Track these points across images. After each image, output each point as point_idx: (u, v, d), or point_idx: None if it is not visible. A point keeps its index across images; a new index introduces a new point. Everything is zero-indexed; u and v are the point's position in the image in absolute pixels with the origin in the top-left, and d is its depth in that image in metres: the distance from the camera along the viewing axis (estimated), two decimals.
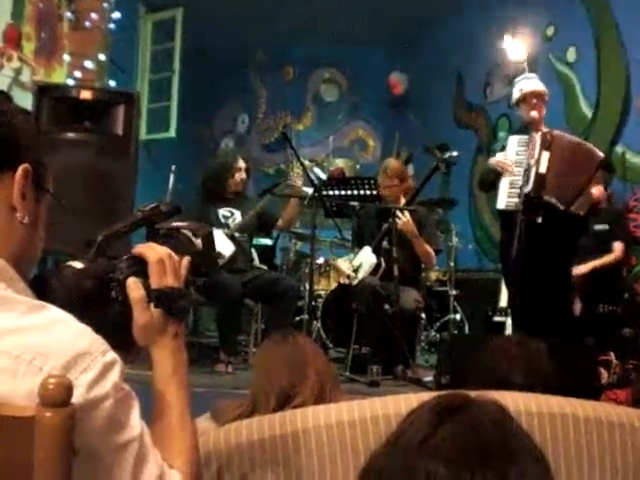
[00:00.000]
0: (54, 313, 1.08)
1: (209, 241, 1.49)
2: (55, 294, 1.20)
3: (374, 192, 6.15)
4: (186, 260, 1.37)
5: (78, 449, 0.99)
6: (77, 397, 0.98)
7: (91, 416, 1.02)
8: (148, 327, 1.29)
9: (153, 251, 1.32)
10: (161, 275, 1.30)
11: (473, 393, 0.97)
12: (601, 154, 4.85)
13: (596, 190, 4.75)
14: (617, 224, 5.88)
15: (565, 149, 4.73)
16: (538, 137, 4.72)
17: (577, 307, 5.46)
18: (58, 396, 0.94)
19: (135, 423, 1.09)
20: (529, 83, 5.04)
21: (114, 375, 1.06)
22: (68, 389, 0.95)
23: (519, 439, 0.91)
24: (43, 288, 1.20)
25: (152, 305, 1.29)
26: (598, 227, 5.73)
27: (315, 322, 5.70)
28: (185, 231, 1.45)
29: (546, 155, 4.66)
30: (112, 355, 1.07)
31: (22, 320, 1.04)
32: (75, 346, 1.03)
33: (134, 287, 1.28)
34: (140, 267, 1.30)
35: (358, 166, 10.57)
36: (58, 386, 0.94)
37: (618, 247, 5.80)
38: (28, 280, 1.17)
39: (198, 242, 1.45)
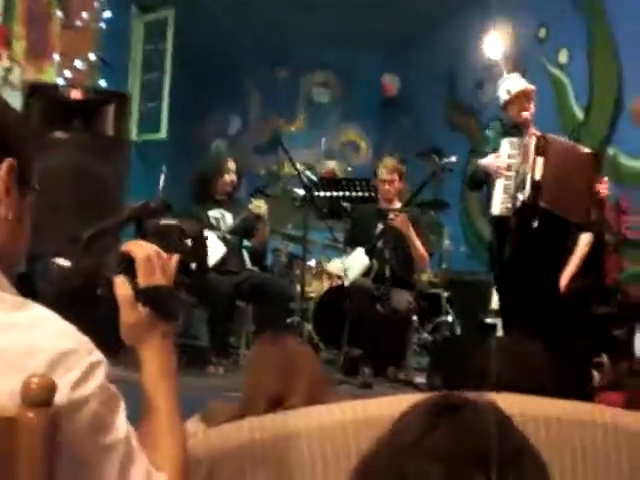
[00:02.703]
0: (39, 311, 1.06)
1: (199, 239, 1.46)
2: (42, 292, 1.18)
3: (366, 194, 6.14)
4: (175, 258, 1.35)
5: (62, 450, 0.97)
6: (61, 397, 0.96)
7: (75, 417, 0.99)
8: (136, 327, 1.27)
9: (141, 249, 1.29)
10: (149, 273, 1.27)
11: (469, 394, 0.95)
12: (589, 151, 4.81)
13: (601, 189, 4.70)
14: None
15: (560, 154, 4.70)
16: (532, 142, 4.68)
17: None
18: (40, 396, 0.92)
19: (121, 425, 1.07)
20: (514, 83, 4.99)
21: (99, 375, 1.03)
22: (51, 389, 0.92)
23: (517, 441, 0.89)
24: (29, 285, 1.17)
25: (140, 304, 1.27)
26: None
27: (307, 324, 5.67)
28: (175, 229, 1.43)
29: (540, 161, 4.62)
30: (98, 355, 1.05)
31: (6, 318, 1.01)
32: (59, 345, 1.01)
33: (121, 286, 1.26)
34: (128, 265, 1.27)
35: (350, 168, 10.55)
36: (40, 386, 0.92)
37: (582, 240, 5.49)
38: (12, 277, 1.14)
39: (188, 240, 1.43)
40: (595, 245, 5.65)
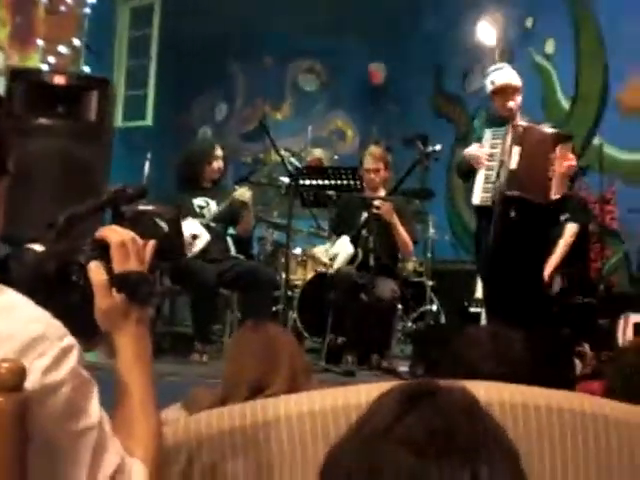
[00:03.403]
0: (10, 297, 1.05)
1: (176, 225, 1.45)
2: (15, 277, 1.17)
3: (352, 182, 6.14)
4: (151, 244, 1.34)
5: (33, 436, 0.96)
6: (32, 382, 0.95)
7: (47, 402, 0.98)
8: (110, 312, 1.26)
9: (115, 234, 1.28)
10: (124, 259, 1.26)
11: (442, 381, 0.95)
12: (551, 130, 4.79)
13: (566, 163, 4.62)
14: (573, 209, 5.68)
15: (535, 142, 4.69)
16: (509, 131, 4.69)
17: (557, 284, 5.42)
18: (10, 381, 0.91)
19: (94, 410, 1.06)
20: (501, 75, 4.93)
21: (72, 360, 1.02)
22: (21, 374, 0.92)
23: (488, 426, 0.89)
24: (3, 271, 1.16)
25: (114, 290, 1.26)
26: (562, 217, 5.65)
27: (291, 312, 5.67)
28: (151, 214, 1.42)
29: (517, 150, 4.62)
30: (70, 340, 1.04)
31: None
32: (31, 330, 1.00)
33: (96, 271, 1.25)
34: (103, 251, 1.26)
35: (336, 156, 10.54)
36: (10, 371, 0.91)
37: (569, 230, 5.63)
38: None
39: (164, 226, 1.42)
40: (580, 235, 5.68)
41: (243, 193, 5.17)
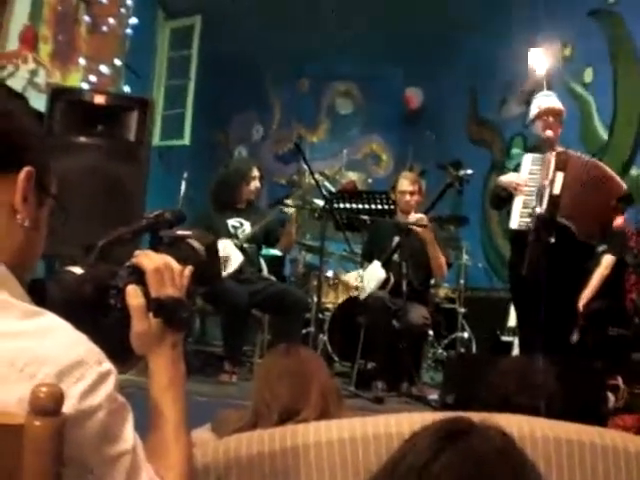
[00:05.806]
0: (50, 320, 1.06)
1: (213, 250, 1.46)
2: (53, 299, 1.18)
3: (385, 206, 6.14)
4: (188, 269, 1.35)
5: (68, 460, 0.97)
6: (69, 407, 0.96)
7: (83, 427, 0.99)
8: (146, 336, 1.27)
9: (149, 260, 1.30)
10: (160, 284, 1.28)
11: (477, 417, 0.94)
12: (624, 186, 4.80)
13: (620, 220, 4.72)
14: (611, 241, 5.66)
15: (579, 170, 4.69)
16: (553, 157, 4.68)
17: (575, 336, 5.38)
18: (48, 405, 0.92)
19: (128, 436, 1.06)
20: (547, 100, 4.99)
21: (108, 386, 1.03)
22: (59, 398, 0.92)
23: (523, 469, 0.88)
24: (42, 293, 1.18)
25: (151, 314, 1.27)
26: (600, 249, 5.62)
27: (322, 335, 5.66)
28: (189, 240, 1.43)
29: (560, 176, 4.61)
30: (107, 365, 1.05)
31: (17, 326, 1.01)
32: (70, 354, 1.01)
33: (133, 295, 1.26)
34: (140, 275, 1.28)
35: (370, 180, 10.55)
36: (49, 395, 0.92)
37: (605, 261, 5.65)
38: (26, 285, 1.15)
39: (202, 251, 1.43)
40: (616, 267, 5.64)
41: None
